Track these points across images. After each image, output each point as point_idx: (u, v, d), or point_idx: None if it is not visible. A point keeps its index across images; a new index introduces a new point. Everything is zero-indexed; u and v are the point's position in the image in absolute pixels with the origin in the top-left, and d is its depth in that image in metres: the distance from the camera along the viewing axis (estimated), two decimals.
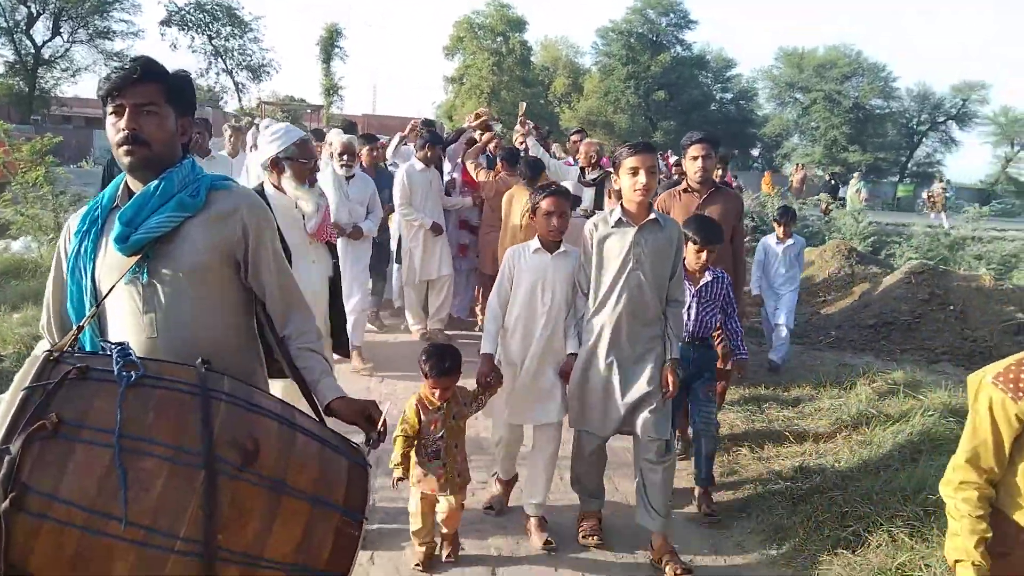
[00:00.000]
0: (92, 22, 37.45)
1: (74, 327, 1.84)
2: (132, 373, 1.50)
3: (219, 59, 40.17)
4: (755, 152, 46.02)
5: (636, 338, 3.49)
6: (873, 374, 5.58)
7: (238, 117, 18.24)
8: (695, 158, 4.73)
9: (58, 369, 1.47)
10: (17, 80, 36.05)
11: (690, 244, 4.00)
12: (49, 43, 36.30)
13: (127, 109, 1.88)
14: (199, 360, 1.68)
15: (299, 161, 3.55)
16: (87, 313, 1.88)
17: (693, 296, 4.06)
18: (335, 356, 3.74)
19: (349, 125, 9.82)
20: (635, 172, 3.37)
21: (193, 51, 39.83)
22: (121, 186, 2.00)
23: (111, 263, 1.91)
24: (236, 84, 40.74)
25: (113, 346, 1.57)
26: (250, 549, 1.48)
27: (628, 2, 42.28)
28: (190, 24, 38.91)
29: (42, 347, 1.95)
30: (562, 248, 3.69)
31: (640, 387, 3.47)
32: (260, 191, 3.55)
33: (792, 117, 43.67)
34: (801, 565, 3.51)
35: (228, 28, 39.69)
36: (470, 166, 7.18)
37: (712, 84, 45.41)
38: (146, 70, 1.89)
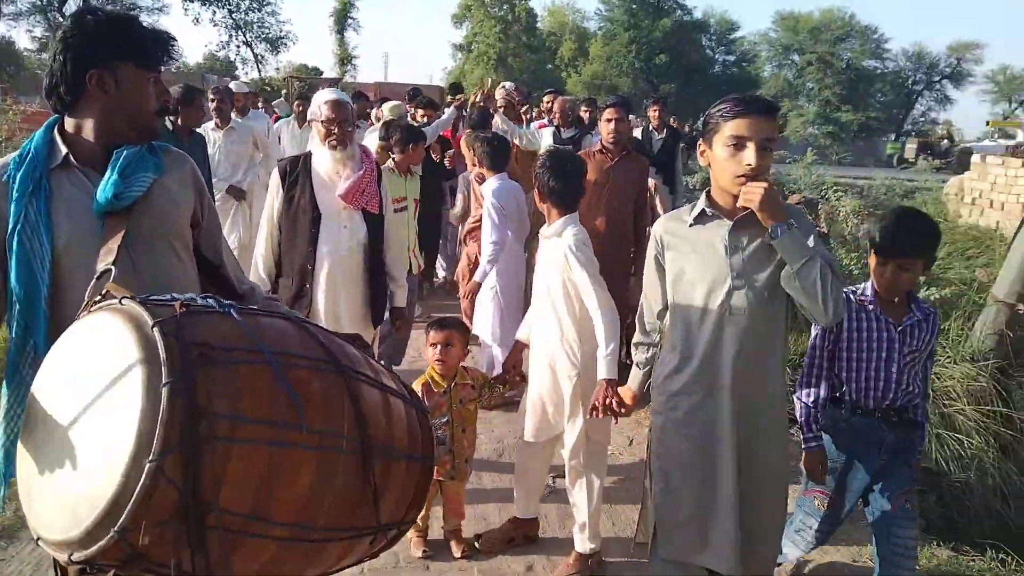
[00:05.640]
0: None
1: (37, 298, 1.75)
2: (232, 303, 1.44)
3: (239, 32, 42.07)
4: None
5: (751, 404, 2.32)
6: None
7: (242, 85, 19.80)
8: (608, 120, 4.87)
9: (157, 309, 1.32)
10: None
11: (878, 255, 2.69)
12: None
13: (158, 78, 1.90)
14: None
15: (320, 122, 3.44)
16: (44, 285, 1.75)
17: (891, 341, 2.69)
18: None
19: (357, 95, 9.95)
20: (739, 145, 2.16)
21: (215, 24, 41.70)
22: (59, 144, 1.83)
23: (80, 226, 1.77)
24: (256, 56, 42.63)
25: (168, 298, 1.39)
26: (386, 441, 1.49)
27: None
28: None
29: None
30: (545, 229, 3.22)
31: (758, 495, 2.34)
32: (309, 154, 3.55)
33: (789, 78, 45.09)
34: None
35: (247, 2, 41.48)
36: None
37: (716, 47, 46.78)
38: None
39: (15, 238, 1.74)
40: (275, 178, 3.52)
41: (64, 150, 1.82)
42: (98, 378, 1.31)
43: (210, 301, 1.42)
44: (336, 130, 3.41)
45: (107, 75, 1.79)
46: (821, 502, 2.86)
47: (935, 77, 45.77)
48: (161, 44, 1.88)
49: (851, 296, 2.74)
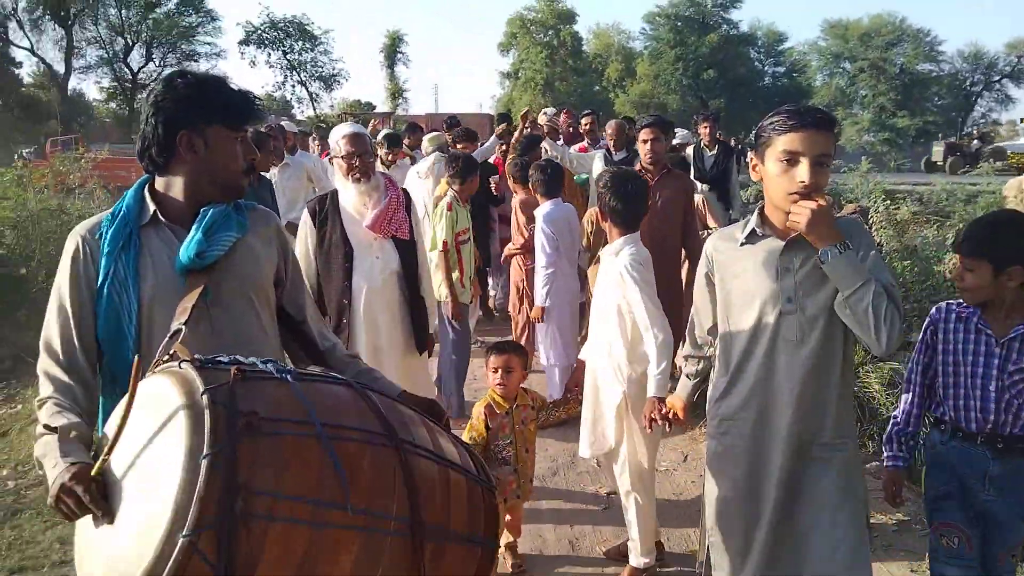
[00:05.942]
0: (180, 47, 41.49)
1: (115, 353, 1.82)
2: (291, 369, 1.44)
3: (293, 72, 43.38)
4: None
5: (806, 432, 2.17)
6: None
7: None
8: (644, 141, 4.79)
9: (213, 374, 1.32)
10: (118, 104, 40.70)
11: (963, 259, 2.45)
12: (143, 69, 40.39)
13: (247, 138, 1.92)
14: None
15: (341, 157, 3.47)
16: (130, 338, 1.80)
17: (990, 356, 2.42)
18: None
19: (411, 126, 10.10)
20: (793, 161, 2.02)
21: (270, 66, 43.12)
22: (148, 202, 1.88)
23: (164, 282, 1.81)
24: (310, 94, 43.85)
25: (228, 360, 1.40)
26: (441, 522, 1.41)
27: None
28: (266, 42, 42.12)
29: (46, 392, 1.76)
30: (606, 248, 3.28)
31: (815, 527, 2.18)
32: (335, 192, 3.60)
33: (842, 86, 44.40)
34: None
35: (300, 43, 42.70)
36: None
37: (764, 59, 46.34)
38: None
39: (104, 291, 1.80)
40: (305, 219, 3.55)
41: (152, 207, 1.87)
42: (149, 444, 1.30)
43: (269, 366, 1.40)
44: (357, 163, 3.44)
45: (196, 137, 1.83)
46: (948, 539, 2.49)
47: (994, 77, 44.43)
48: (248, 103, 1.91)
49: (953, 306, 2.55)
